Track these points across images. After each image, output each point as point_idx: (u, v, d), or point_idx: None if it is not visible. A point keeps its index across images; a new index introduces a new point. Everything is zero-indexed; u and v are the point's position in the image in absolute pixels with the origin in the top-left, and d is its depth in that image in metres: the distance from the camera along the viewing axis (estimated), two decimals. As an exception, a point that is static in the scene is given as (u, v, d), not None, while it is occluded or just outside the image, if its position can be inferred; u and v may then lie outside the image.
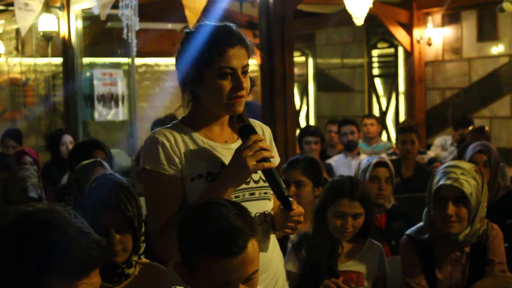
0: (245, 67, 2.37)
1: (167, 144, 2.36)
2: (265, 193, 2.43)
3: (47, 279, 1.61)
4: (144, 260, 2.79)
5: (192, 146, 2.39)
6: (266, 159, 2.29)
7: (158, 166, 2.35)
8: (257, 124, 2.57)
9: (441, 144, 8.08)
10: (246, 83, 2.37)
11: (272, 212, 2.48)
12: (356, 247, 3.38)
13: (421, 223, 3.38)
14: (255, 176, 2.40)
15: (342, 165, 6.71)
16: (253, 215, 2.37)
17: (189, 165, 2.36)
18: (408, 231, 3.41)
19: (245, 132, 2.35)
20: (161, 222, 2.34)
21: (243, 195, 2.39)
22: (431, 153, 7.56)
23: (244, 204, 2.35)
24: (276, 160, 2.54)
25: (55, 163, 6.65)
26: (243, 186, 2.37)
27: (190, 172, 2.36)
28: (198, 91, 2.39)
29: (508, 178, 4.83)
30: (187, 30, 2.44)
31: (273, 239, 2.52)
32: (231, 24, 2.42)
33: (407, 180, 5.77)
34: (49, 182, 5.89)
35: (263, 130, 2.57)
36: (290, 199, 2.33)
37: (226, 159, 2.37)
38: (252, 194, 2.42)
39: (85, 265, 1.65)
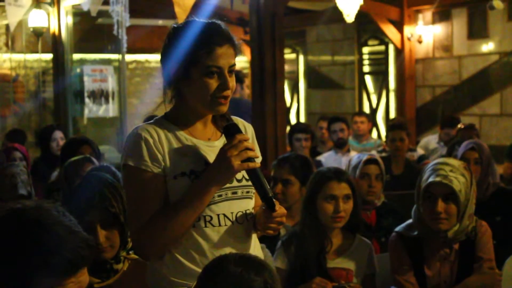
0: (232, 66, 2.33)
1: (151, 140, 2.30)
2: (247, 192, 2.41)
3: (34, 278, 1.60)
4: (133, 255, 2.78)
5: (175, 143, 2.34)
6: (250, 159, 2.27)
7: (140, 163, 2.29)
8: (239, 121, 2.52)
9: (425, 146, 8.09)
10: (232, 83, 2.34)
11: (253, 211, 2.46)
12: (345, 244, 3.38)
13: (410, 220, 3.38)
14: (238, 175, 2.37)
15: (332, 162, 6.71)
16: (235, 214, 2.37)
17: (172, 163, 2.31)
18: (397, 228, 3.42)
19: (230, 131, 2.31)
20: (142, 221, 2.28)
21: (226, 194, 2.35)
22: (420, 151, 7.56)
23: (226, 203, 2.35)
24: (257, 159, 2.54)
25: (45, 160, 6.63)
26: (226, 185, 2.34)
27: (173, 169, 2.31)
28: (183, 88, 2.36)
29: (497, 176, 4.84)
30: (175, 25, 2.40)
31: (254, 239, 2.49)
32: (220, 22, 2.38)
33: (397, 177, 5.78)
34: (38, 178, 5.87)
35: (245, 128, 2.53)
36: (274, 199, 2.30)
37: (210, 157, 2.33)
38: (235, 193, 2.38)
39: (73, 264, 1.64)
